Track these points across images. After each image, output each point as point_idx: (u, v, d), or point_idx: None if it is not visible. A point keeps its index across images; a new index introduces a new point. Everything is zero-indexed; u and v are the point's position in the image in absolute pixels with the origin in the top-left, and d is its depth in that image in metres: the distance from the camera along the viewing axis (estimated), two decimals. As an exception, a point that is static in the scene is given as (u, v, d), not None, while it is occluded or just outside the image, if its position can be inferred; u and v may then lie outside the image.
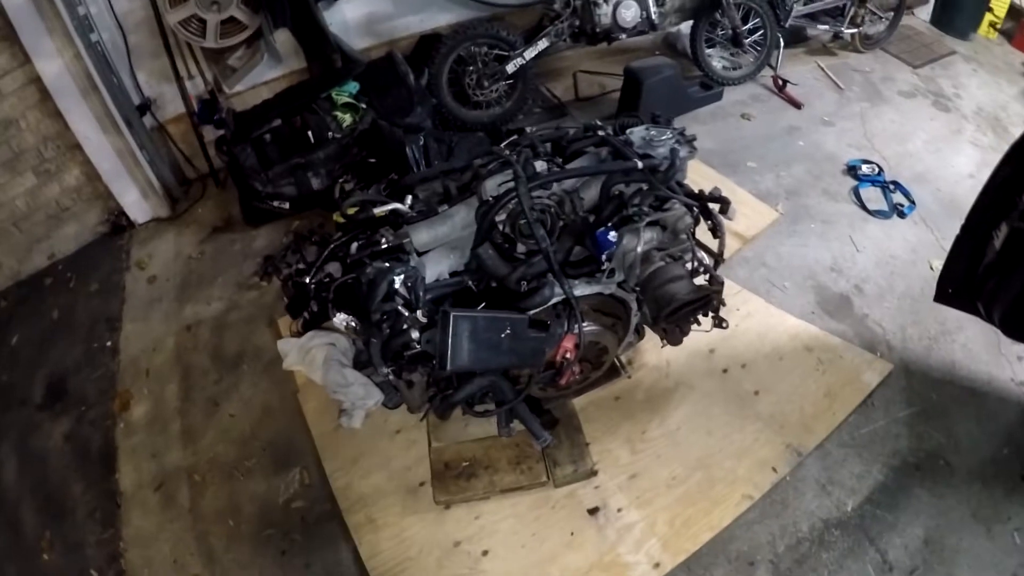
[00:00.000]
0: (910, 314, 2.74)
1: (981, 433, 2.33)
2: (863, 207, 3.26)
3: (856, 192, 3.32)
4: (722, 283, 2.02)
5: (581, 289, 1.94)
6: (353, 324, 1.73)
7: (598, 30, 3.59)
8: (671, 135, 2.12)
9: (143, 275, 3.50)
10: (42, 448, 2.84)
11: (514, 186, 1.84)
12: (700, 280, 2.08)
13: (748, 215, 3.19)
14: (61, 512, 2.58)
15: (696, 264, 2.08)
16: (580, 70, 4.20)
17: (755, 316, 2.74)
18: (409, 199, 2.04)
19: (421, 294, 1.74)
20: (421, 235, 1.97)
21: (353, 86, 3.44)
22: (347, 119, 3.37)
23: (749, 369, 2.54)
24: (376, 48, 3.90)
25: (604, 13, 3.55)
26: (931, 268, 2.93)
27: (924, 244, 3.07)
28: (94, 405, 2.94)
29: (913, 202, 3.25)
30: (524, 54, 3.57)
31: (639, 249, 1.90)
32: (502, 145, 2.15)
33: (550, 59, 4.20)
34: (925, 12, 4.94)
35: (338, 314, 1.74)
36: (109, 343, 3.20)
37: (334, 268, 1.97)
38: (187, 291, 3.36)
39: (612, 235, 1.88)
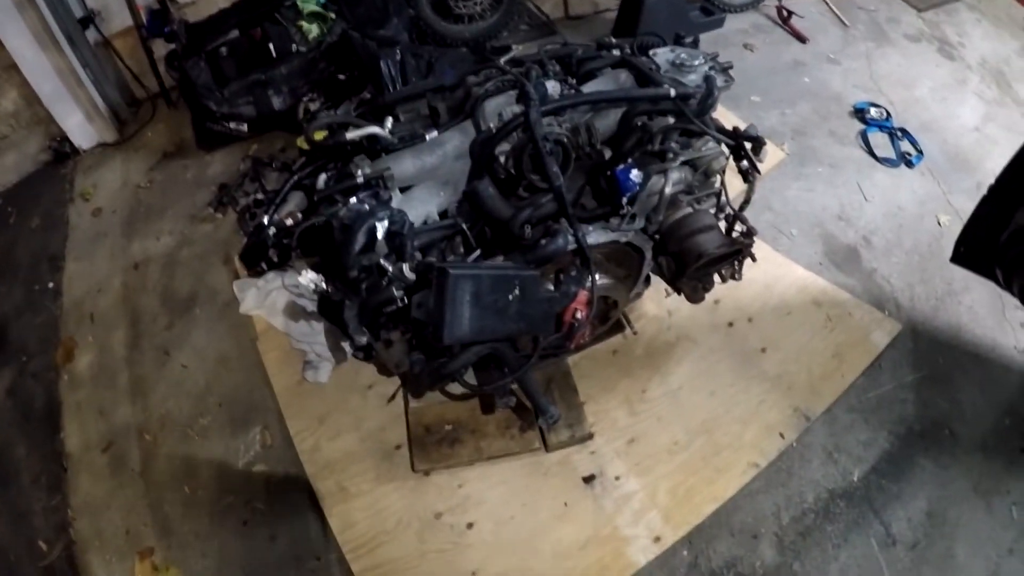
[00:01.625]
0: (918, 271, 2.60)
1: (985, 402, 2.24)
2: (871, 153, 3.05)
3: (864, 136, 3.11)
4: (755, 233, 1.82)
5: (595, 236, 1.67)
6: (323, 285, 1.46)
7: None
8: (703, 60, 1.80)
9: (87, 207, 3.15)
10: None
11: (522, 111, 1.54)
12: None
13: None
14: (3, 477, 2.35)
15: (725, 211, 1.85)
16: None
17: (760, 265, 2.49)
18: (389, 121, 1.71)
19: (408, 243, 1.44)
20: (405, 166, 1.67)
21: (321, -11, 3.04)
22: (313, 30, 2.98)
23: (756, 323, 2.39)
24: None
25: None
26: (939, 223, 2.77)
27: (932, 197, 2.90)
28: (36, 355, 2.68)
29: (921, 151, 3.05)
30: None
31: (668, 191, 1.66)
32: (502, 60, 1.86)
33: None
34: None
35: (305, 271, 1.46)
36: (51, 284, 2.90)
37: (297, 203, 1.68)
38: (135, 225, 3.04)
39: (635, 174, 1.60)
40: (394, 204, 1.59)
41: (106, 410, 2.43)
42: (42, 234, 3.09)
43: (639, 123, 1.66)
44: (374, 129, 1.67)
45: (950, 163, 3.06)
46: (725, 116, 3.03)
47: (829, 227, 2.75)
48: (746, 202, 1.85)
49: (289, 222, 1.57)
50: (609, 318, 2.02)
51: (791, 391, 2.20)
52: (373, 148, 1.69)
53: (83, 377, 2.55)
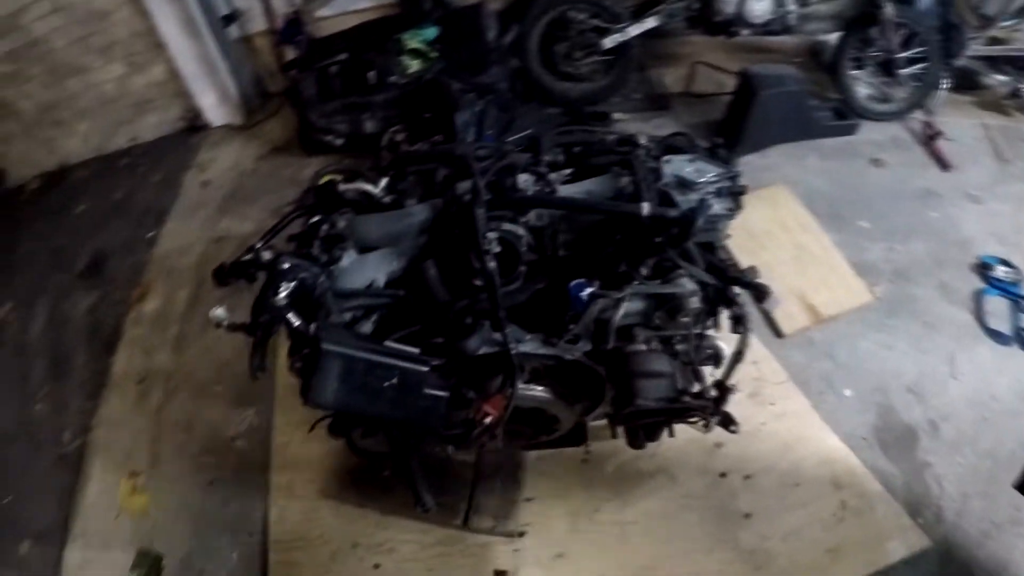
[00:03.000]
0: (984, 482, 2.10)
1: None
2: (981, 320, 2.52)
3: (979, 298, 2.58)
4: (726, 392, 1.60)
5: (531, 346, 1.56)
6: (226, 321, 1.47)
7: (718, 19, 3.02)
8: (717, 177, 1.63)
9: (200, 177, 3.57)
10: (67, 313, 3.09)
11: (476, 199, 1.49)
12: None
13: (834, 288, 2.61)
14: (60, 373, 2.84)
15: (704, 352, 1.65)
16: (701, 61, 3.59)
17: (788, 419, 2.24)
18: (384, 181, 1.74)
19: (323, 306, 1.45)
20: (369, 229, 1.67)
21: (431, 31, 3.15)
22: (413, 66, 3.11)
23: (752, 483, 2.09)
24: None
25: (727, 2, 2.96)
26: (1035, 431, 2.24)
27: (1039, 396, 2.35)
28: (119, 288, 3.12)
29: (1046, 335, 2.48)
30: (627, 30, 3.08)
31: (615, 320, 1.51)
32: (507, 140, 1.81)
33: (670, 41, 3.63)
34: None
35: (218, 307, 1.49)
36: (151, 234, 3.34)
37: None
38: (230, 204, 3.37)
39: (588, 292, 1.49)
40: (344, 263, 1.60)
41: (151, 351, 2.79)
42: (159, 190, 3.56)
43: (618, 236, 1.55)
44: (364, 186, 1.71)
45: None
46: (819, 236, 2.73)
47: (893, 397, 2.32)
48: (735, 357, 1.62)
49: (266, 255, 1.64)
50: (556, 430, 1.87)
51: (759, 573, 1.90)
52: (363, 203, 1.72)
53: (145, 318, 2.93)
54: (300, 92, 3.16)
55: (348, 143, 3.27)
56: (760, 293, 1.52)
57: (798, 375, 2.37)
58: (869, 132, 3.26)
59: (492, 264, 1.43)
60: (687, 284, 1.53)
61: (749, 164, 3.05)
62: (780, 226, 2.77)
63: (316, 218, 1.72)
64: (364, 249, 1.68)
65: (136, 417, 2.56)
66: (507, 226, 1.53)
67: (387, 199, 1.74)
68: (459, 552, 1.99)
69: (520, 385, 1.52)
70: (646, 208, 1.46)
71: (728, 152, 1.73)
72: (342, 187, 1.72)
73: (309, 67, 3.15)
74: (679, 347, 1.58)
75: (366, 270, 1.62)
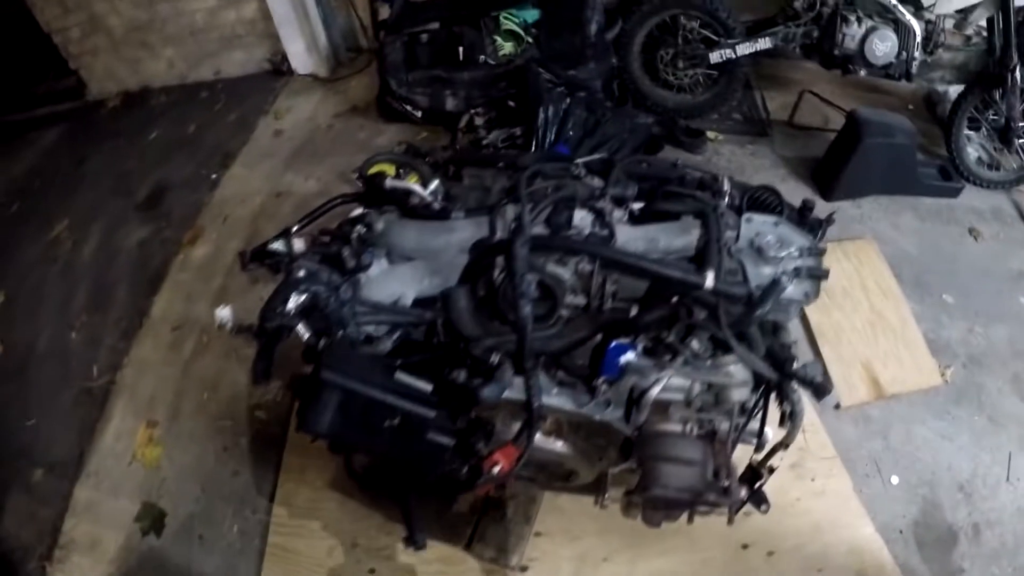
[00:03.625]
0: (1021, 600, 1.99)
1: None
2: (1052, 425, 2.37)
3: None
4: (758, 478, 1.48)
5: (557, 400, 1.43)
6: (229, 323, 1.38)
7: (836, 52, 2.79)
8: (799, 252, 1.43)
9: (273, 126, 3.54)
10: (119, 243, 3.13)
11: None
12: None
13: (904, 364, 2.42)
14: (100, 303, 2.88)
15: (746, 437, 1.49)
16: (811, 90, 3.36)
17: (827, 499, 2.09)
18: (435, 184, 1.64)
19: (346, 318, 1.37)
20: (407, 237, 1.56)
21: (532, 14, 3.02)
22: (506, 47, 2.99)
23: (774, 561, 1.95)
24: None
25: (851, 36, 2.74)
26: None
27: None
28: (173, 226, 3.13)
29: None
30: (736, 48, 2.88)
31: (652, 395, 1.37)
32: (578, 162, 1.68)
33: (782, 63, 3.41)
34: None
35: (223, 307, 1.40)
36: (214, 176, 3.33)
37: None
38: (298, 158, 3.33)
39: (628, 357, 1.36)
40: (373, 272, 1.51)
41: (192, 299, 2.77)
42: (231, 130, 3.55)
43: (674, 299, 1.38)
44: (411, 187, 1.62)
45: None
46: (898, 304, 2.56)
47: (941, 493, 2.17)
48: (782, 445, 1.50)
49: (298, 245, 1.56)
50: (572, 479, 1.78)
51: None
52: (406, 204, 1.63)
53: (192, 263, 2.92)
54: (385, 56, 3.07)
55: (427, 116, 3.18)
56: (820, 392, 1.34)
57: (846, 452, 2.20)
58: (972, 198, 3.01)
59: (527, 309, 1.31)
60: (738, 372, 1.37)
61: (841, 212, 2.85)
62: (860, 286, 2.60)
63: (356, 212, 1.64)
64: (399, 257, 1.57)
65: (165, 365, 2.55)
66: (551, 268, 1.39)
67: (435, 205, 1.62)
68: (458, 573, 1.93)
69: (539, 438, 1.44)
70: (709, 280, 1.27)
71: (817, 221, 1.58)
72: (389, 183, 1.64)
73: (398, 31, 3.05)
74: (720, 426, 1.44)
75: (395, 283, 1.51)
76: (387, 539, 1.99)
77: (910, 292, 2.65)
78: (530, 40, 2.96)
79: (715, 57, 2.93)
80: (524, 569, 1.93)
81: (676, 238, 1.48)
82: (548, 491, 2.02)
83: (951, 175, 2.96)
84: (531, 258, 1.35)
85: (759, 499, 1.55)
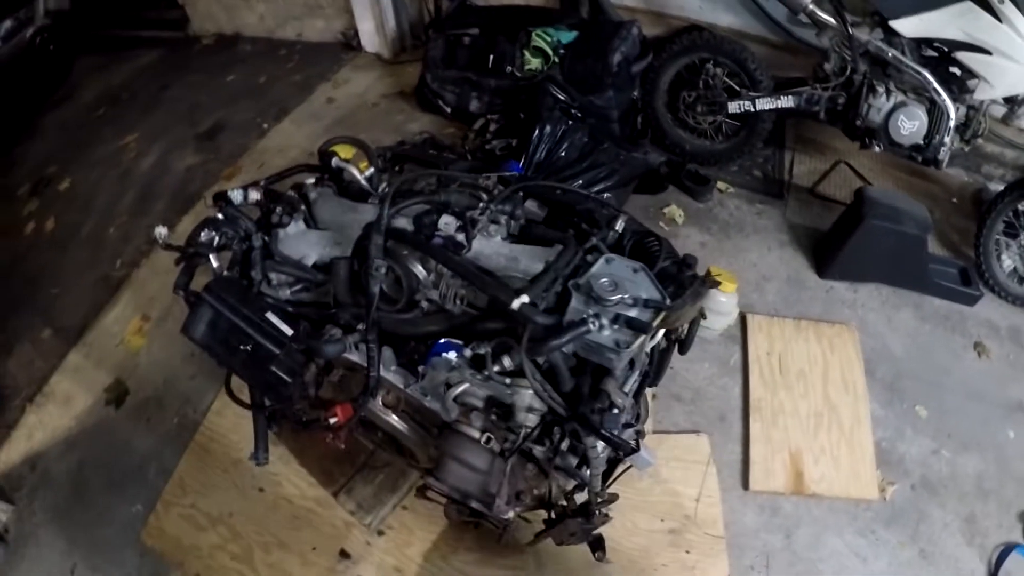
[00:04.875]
0: None
1: None
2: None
3: (1003, 554, 2.14)
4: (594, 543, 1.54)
5: (394, 376, 1.57)
6: (162, 240, 1.65)
7: (859, 123, 2.64)
8: (633, 300, 1.39)
9: (329, 93, 3.82)
10: (172, 164, 3.53)
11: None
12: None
13: (840, 465, 2.25)
14: (140, 212, 3.29)
15: (567, 467, 1.51)
16: (847, 162, 3.18)
17: None
18: (370, 171, 1.88)
19: (255, 260, 1.63)
20: (326, 210, 1.80)
21: (567, 35, 3.07)
22: (533, 63, 3.07)
23: None
24: (639, 13, 3.36)
25: (877, 108, 2.57)
26: None
27: None
28: (218, 160, 3.48)
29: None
30: (756, 101, 2.79)
31: (450, 394, 1.45)
32: (490, 176, 1.76)
33: (827, 130, 3.19)
34: None
35: (160, 226, 1.67)
36: (266, 125, 3.66)
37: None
38: (338, 126, 3.57)
39: (450, 355, 1.47)
40: (291, 230, 1.74)
41: None
42: (293, 89, 3.87)
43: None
44: (349, 168, 1.84)
45: None
46: (856, 401, 2.39)
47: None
48: (592, 496, 1.51)
49: (253, 196, 1.77)
50: (412, 458, 1.82)
51: None
52: (344, 184, 1.88)
53: None
54: (427, 51, 3.24)
55: (454, 112, 3.33)
56: (615, 446, 1.36)
57: (738, 537, 2.09)
58: (989, 310, 2.74)
59: (374, 289, 1.45)
60: (526, 397, 1.42)
61: (833, 292, 2.72)
62: (821, 373, 2.45)
63: (308, 180, 1.89)
64: (318, 225, 1.81)
65: (172, 274, 2.82)
66: (408, 263, 1.53)
67: (365, 188, 1.85)
68: (326, 516, 2.09)
69: (376, 406, 1.59)
70: (516, 303, 1.32)
71: (700, 283, 1.53)
72: (335, 162, 1.88)
73: (443, 30, 3.21)
74: (537, 451, 1.48)
75: (303, 244, 1.74)
76: (283, 468, 2.19)
77: (879, 394, 2.48)
78: (556, 60, 3.01)
79: (733, 107, 2.85)
80: (380, 533, 2.06)
81: (536, 261, 1.56)
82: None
83: (972, 280, 2.70)
84: (396, 248, 1.51)
85: (596, 544, 1.65)
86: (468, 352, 1.48)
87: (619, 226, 1.65)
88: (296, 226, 1.76)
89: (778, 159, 3.21)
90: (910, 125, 2.55)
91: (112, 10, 4.41)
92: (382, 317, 1.52)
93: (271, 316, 1.54)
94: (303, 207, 1.79)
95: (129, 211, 3.31)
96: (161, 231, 1.64)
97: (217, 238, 1.59)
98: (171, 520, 2.14)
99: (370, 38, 3.89)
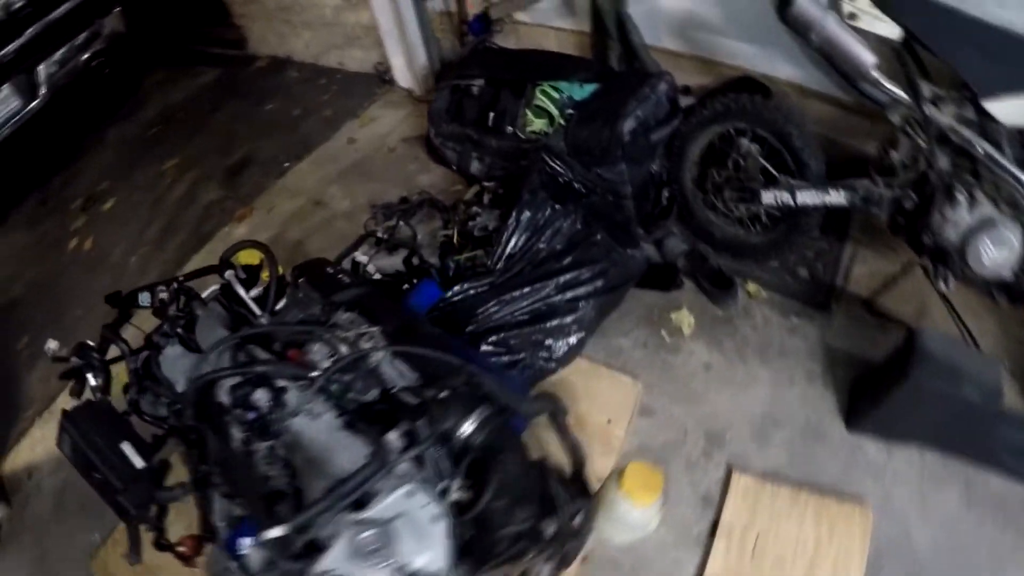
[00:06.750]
0: None
1: None
2: None
3: None
4: None
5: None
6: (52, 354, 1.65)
7: (927, 242, 1.99)
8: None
9: (352, 132, 3.65)
10: (199, 197, 3.58)
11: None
12: None
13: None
14: (161, 245, 3.37)
15: None
16: (944, 293, 2.19)
17: None
18: (257, 291, 1.73)
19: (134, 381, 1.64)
20: (201, 331, 1.67)
21: (582, 89, 2.62)
22: (534, 124, 2.66)
23: None
24: (683, 59, 2.82)
25: (953, 223, 1.89)
26: None
27: None
28: (236, 199, 3.47)
29: None
30: (796, 193, 2.18)
31: None
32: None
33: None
34: None
35: (50, 341, 1.66)
36: (287, 164, 3.59)
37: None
38: (350, 173, 3.41)
39: (246, 541, 1.25)
40: (168, 352, 1.67)
41: None
42: (320, 126, 3.75)
43: None
44: (234, 284, 1.71)
45: None
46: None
47: None
48: None
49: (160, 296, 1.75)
50: None
51: None
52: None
53: (229, 240, 2.97)
54: (432, 101, 2.93)
55: (459, 171, 3.01)
56: None
57: None
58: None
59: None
60: None
61: (859, 452, 2.09)
62: (808, 560, 1.88)
63: (208, 292, 1.76)
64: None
65: None
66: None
67: (251, 309, 1.69)
68: None
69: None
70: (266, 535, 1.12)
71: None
72: (227, 274, 1.72)
73: (448, 79, 2.88)
74: None
75: (174, 369, 1.64)
76: None
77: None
78: (562, 122, 2.57)
79: (768, 199, 2.27)
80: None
81: (357, 459, 1.26)
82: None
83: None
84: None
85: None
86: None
87: (466, 429, 1.29)
88: (173, 349, 1.67)
89: (833, 255, 2.54)
90: (995, 254, 1.86)
91: (173, 29, 4.49)
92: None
93: (126, 447, 1.45)
94: (179, 328, 1.67)
95: (152, 241, 3.37)
96: (51, 345, 1.63)
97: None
98: (114, 557, 2.18)
99: (402, 73, 3.66)
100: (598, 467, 2.05)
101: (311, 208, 3.27)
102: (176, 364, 1.65)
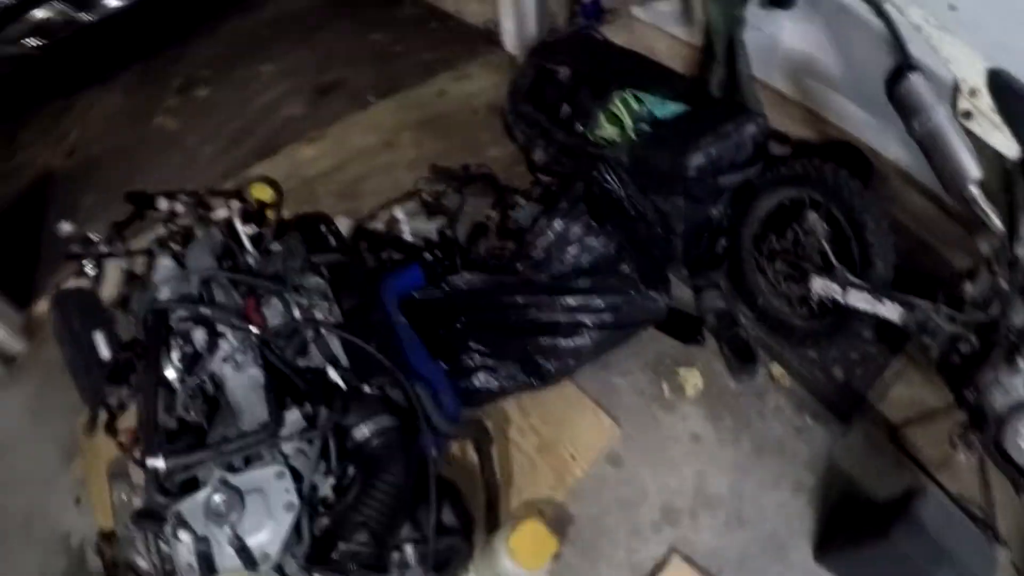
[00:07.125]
0: None
1: None
2: None
3: None
4: None
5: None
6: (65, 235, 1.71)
7: (968, 397, 1.70)
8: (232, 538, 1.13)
9: (445, 84, 3.58)
10: (281, 109, 3.62)
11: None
12: None
13: None
14: (229, 147, 3.44)
15: None
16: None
17: None
18: (250, 228, 1.69)
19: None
20: (193, 251, 1.64)
21: (670, 107, 2.42)
22: (605, 129, 2.48)
23: None
24: (789, 105, 2.54)
25: (1005, 390, 1.61)
26: None
27: None
28: (311, 121, 3.49)
29: None
30: (848, 290, 1.95)
31: None
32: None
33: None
34: None
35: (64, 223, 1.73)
36: (371, 99, 3.57)
37: None
38: (427, 124, 3.35)
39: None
40: (163, 262, 1.64)
41: None
42: (417, 69, 3.69)
43: None
44: (233, 218, 1.69)
45: None
46: None
47: None
48: None
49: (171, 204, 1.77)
50: None
51: None
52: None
53: (297, 160, 3.29)
54: (515, 78, 2.80)
55: (524, 153, 2.89)
56: None
57: None
58: None
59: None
60: None
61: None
62: None
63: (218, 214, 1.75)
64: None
65: None
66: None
67: (245, 245, 1.66)
68: None
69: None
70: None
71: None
72: (235, 205, 1.73)
73: (544, 59, 2.74)
74: None
75: (162, 280, 1.61)
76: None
77: None
78: (633, 136, 2.39)
79: (816, 285, 2.04)
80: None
81: (250, 423, 1.29)
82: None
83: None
84: None
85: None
86: None
87: (364, 431, 1.26)
88: (166, 260, 1.66)
89: (877, 366, 2.27)
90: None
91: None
92: None
93: (97, 337, 1.53)
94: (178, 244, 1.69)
95: (227, 139, 3.49)
96: (65, 227, 1.69)
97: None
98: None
99: (510, 36, 3.53)
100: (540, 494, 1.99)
101: (380, 148, 3.25)
102: (165, 274, 1.63)
